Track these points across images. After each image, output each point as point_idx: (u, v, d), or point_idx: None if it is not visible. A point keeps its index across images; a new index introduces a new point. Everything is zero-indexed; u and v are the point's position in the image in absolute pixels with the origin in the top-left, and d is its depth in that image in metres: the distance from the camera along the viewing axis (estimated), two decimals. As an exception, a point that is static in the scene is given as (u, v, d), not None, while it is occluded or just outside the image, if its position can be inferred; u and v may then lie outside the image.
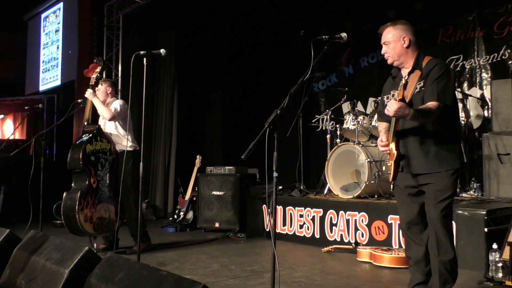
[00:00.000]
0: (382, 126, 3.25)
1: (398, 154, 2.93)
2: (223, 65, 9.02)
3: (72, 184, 4.81)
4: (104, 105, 5.00)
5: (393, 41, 3.02)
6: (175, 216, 7.02)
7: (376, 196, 5.38)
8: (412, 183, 2.99)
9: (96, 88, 5.07)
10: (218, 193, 6.50)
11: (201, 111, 8.93)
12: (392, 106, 2.68)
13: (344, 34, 2.94)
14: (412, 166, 2.95)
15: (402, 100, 2.70)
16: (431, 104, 2.80)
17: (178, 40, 8.46)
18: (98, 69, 5.05)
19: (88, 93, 4.96)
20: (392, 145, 2.96)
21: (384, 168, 5.47)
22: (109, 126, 5.10)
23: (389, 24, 3.08)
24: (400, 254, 4.32)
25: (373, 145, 5.85)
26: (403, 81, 2.77)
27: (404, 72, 3.05)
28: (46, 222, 6.29)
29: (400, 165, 2.97)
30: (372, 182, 5.40)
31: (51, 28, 11.04)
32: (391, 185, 3.11)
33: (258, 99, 8.72)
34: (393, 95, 3.06)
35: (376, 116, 5.72)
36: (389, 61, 3.08)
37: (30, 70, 11.94)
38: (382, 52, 3.09)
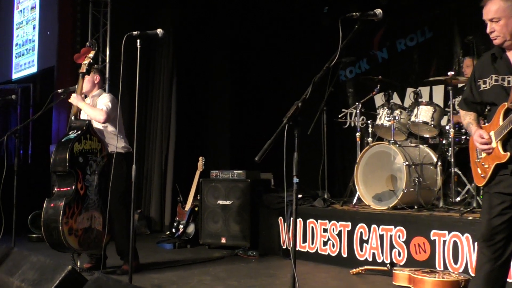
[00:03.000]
0: (470, 117, 3.21)
1: (511, 156, 2.89)
2: (231, 49, 9.01)
3: (55, 189, 4.83)
4: (92, 106, 5.02)
5: (505, 17, 2.93)
6: (174, 230, 7.04)
7: (416, 207, 5.34)
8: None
9: (86, 77, 5.07)
10: (224, 202, 6.51)
11: (205, 104, 8.94)
12: None
13: (378, 11, 2.94)
14: None
15: None
16: None
17: (178, 20, 8.48)
18: (91, 54, 5.01)
19: (73, 98, 4.94)
20: (499, 144, 2.93)
21: (424, 172, 5.44)
22: (97, 123, 5.08)
23: None
24: (445, 278, 4.29)
25: (413, 145, 5.82)
26: None
27: None
28: (21, 236, 6.34)
29: (508, 168, 2.92)
30: (411, 190, 5.37)
31: (26, 4, 11.11)
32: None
33: (274, 89, 8.71)
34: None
35: (417, 110, 5.68)
36: (497, 41, 2.99)
37: (1, 54, 12.00)
38: (488, 30, 3.00)
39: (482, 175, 3.02)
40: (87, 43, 5.20)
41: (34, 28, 10.75)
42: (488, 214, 3.07)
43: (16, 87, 10.80)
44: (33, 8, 10.87)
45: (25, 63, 11.00)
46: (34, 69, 10.63)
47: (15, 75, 11.32)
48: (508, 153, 2.89)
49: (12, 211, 5.49)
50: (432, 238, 4.79)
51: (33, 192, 7.13)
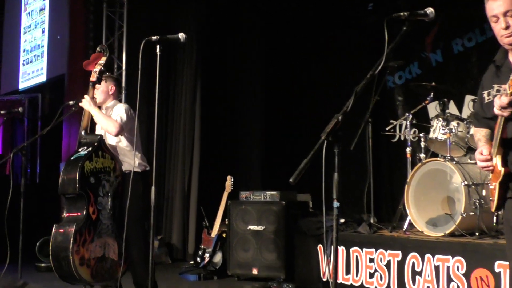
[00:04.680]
0: (481, 133, 3.18)
1: (506, 173, 2.85)
2: (265, 53, 9.02)
3: (64, 214, 4.89)
4: (107, 116, 5.07)
5: None
6: (198, 259, 7.07)
7: (477, 233, 5.27)
8: None
9: (97, 86, 5.14)
10: (256, 227, 6.52)
11: (234, 115, 8.97)
12: (504, 101, 2.60)
13: (430, 10, 2.93)
14: None
15: None
16: None
17: (202, 20, 8.57)
18: (102, 61, 5.08)
19: (85, 102, 4.99)
20: (498, 160, 2.89)
21: (486, 193, 5.37)
22: (110, 138, 5.15)
23: None
24: (512, 316, 4.22)
25: (472, 161, 5.75)
26: None
27: None
28: (28, 265, 6.45)
29: (510, 188, 2.90)
30: (472, 214, 5.31)
31: (35, 6, 11.33)
32: (494, 218, 3.03)
33: (313, 99, 8.70)
34: (497, 90, 2.99)
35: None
36: (511, 40, 2.91)
37: (7, 61, 12.24)
38: (504, 25, 2.94)
39: (491, 199, 2.96)
40: (98, 48, 5.26)
41: (43, 32, 10.92)
42: (510, 249, 2.99)
43: (23, 98, 10.99)
44: (42, 10, 11.04)
45: (33, 71, 11.17)
46: (43, 78, 10.77)
47: (22, 85, 11.50)
48: (503, 169, 2.82)
49: (19, 237, 5.58)
50: (496, 270, 4.70)
51: (42, 216, 7.25)
